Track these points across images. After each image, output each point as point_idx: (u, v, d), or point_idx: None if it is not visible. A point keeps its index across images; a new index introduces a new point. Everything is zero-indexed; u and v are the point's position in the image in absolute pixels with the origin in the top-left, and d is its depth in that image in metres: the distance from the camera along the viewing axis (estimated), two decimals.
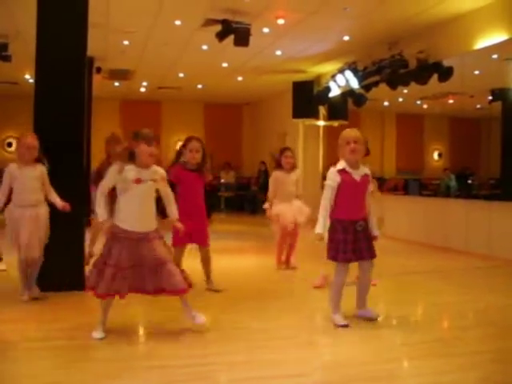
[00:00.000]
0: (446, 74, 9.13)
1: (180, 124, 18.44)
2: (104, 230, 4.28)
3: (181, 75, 14.29)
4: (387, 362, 3.79)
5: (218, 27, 9.22)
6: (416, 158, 15.26)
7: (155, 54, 11.98)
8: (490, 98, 9.03)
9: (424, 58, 9.40)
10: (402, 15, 9.02)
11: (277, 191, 7.18)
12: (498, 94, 8.62)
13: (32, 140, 5.21)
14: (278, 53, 11.72)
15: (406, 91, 10.65)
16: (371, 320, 4.73)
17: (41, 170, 5.30)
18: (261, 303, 5.13)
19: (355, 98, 11.93)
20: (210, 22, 9.35)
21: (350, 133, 4.67)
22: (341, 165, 4.63)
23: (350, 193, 4.57)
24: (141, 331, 4.61)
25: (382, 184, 10.96)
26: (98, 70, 12.45)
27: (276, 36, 10.38)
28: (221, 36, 9.29)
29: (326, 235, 4.66)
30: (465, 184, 10.53)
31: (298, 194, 7.29)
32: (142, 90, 16.40)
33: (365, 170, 4.70)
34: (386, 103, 12.75)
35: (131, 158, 4.24)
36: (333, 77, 12.03)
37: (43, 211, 5.29)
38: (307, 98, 13.48)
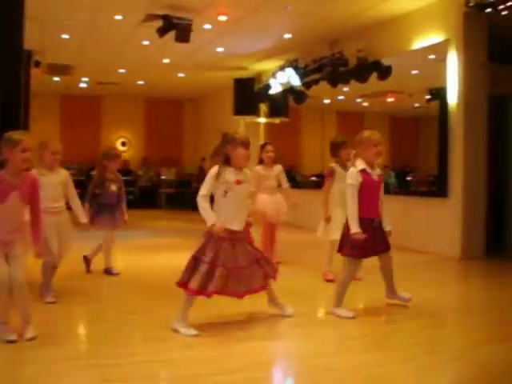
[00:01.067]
0: (384, 72, 9.32)
1: (121, 120, 18.30)
2: (216, 230, 4.25)
3: (121, 71, 14.10)
4: (325, 356, 3.85)
5: (159, 23, 9.15)
6: None
7: (95, 49, 11.80)
8: (428, 97, 9.25)
9: (363, 57, 9.57)
10: (342, 15, 9.15)
11: (259, 186, 7.22)
12: (435, 93, 8.82)
13: (57, 145, 5.10)
14: (220, 49, 11.71)
15: (346, 89, 10.81)
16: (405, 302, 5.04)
17: (65, 174, 5.19)
18: (200, 301, 5.10)
19: (296, 96, 12.03)
20: (151, 17, 9.25)
21: (376, 135, 4.79)
22: (361, 165, 4.71)
23: (369, 192, 4.69)
24: (85, 330, 4.54)
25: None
26: (37, 63, 12.08)
27: (218, 33, 10.36)
28: (162, 32, 9.21)
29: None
30: (404, 181, 10.76)
31: (285, 187, 7.37)
32: (83, 85, 16.11)
33: (378, 169, 4.83)
34: (326, 101, 12.87)
35: (227, 161, 4.38)
36: (273, 74, 12.11)
37: (64, 219, 5.11)
38: (248, 94, 13.48)
